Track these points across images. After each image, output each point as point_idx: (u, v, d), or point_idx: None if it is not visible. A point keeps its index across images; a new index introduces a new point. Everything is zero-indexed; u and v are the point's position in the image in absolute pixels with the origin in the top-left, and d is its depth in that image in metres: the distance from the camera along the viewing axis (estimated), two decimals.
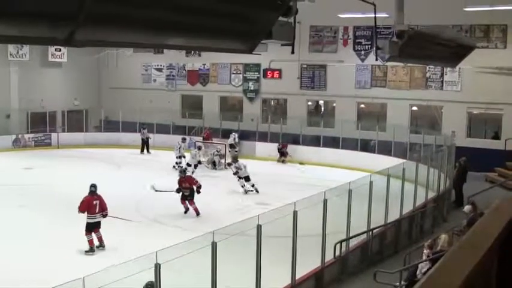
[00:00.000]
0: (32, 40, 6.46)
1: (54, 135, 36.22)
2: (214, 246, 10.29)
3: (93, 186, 16.50)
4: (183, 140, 29.01)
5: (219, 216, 17.25)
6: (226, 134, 33.81)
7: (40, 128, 36.77)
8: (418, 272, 12.27)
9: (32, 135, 35.84)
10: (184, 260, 10.05)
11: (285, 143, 31.82)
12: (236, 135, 32.20)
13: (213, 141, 30.84)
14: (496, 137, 29.80)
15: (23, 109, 36.30)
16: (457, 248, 2.35)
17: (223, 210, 19.48)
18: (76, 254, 15.31)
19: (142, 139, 33.49)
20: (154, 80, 40.13)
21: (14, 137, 34.80)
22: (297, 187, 22.93)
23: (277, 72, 34.59)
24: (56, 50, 37.53)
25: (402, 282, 12.57)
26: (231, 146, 30.79)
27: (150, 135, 34.42)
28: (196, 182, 20.03)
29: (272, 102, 36.90)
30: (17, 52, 36.06)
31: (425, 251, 13.13)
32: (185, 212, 19.57)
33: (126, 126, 36.38)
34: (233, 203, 19.23)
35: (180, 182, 20.02)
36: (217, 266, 10.32)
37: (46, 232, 17.60)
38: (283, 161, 31.26)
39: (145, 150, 33.49)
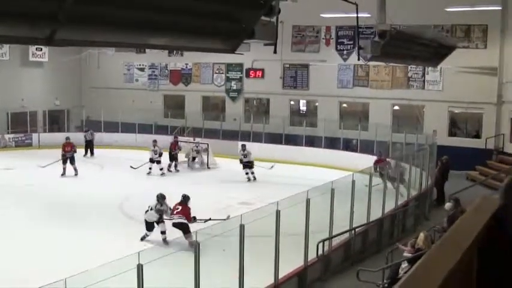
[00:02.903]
0: (12, 39, 6.42)
1: (35, 136, 35.94)
2: (197, 246, 10.26)
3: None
4: (154, 143, 28.31)
5: (202, 216, 17.17)
6: (208, 133, 33.74)
7: (20, 128, 36.48)
8: (400, 270, 12.33)
9: (12, 135, 35.64)
10: (167, 261, 10.05)
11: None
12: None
13: (192, 141, 30.56)
14: (477, 136, 30.00)
15: (3, 109, 35.95)
16: (439, 245, 2.37)
17: (206, 210, 19.41)
18: (57, 255, 15.20)
19: (87, 140, 32.47)
20: (137, 80, 39.99)
21: None
22: (279, 186, 22.93)
23: (260, 71, 34.65)
24: (36, 49, 37.22)
25: (385, 281, 12.62)
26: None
27: (96, 135, 33.99)
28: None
29: (255, 102, 36.88)
30: None
31: (406, 248, 13.19)
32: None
33: (108, 126, 36.19)
34: (215, 203, 19.19)
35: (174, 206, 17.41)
36: (200, 266, 10.29)
37: (27, 232, 17.52)
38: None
39: (88, 152, 32.47)
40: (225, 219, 15.65)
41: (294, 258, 13.85)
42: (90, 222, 18.72)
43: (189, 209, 16.47)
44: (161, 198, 16.64)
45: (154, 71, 39.33)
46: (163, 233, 16.36)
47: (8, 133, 35.89)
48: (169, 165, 28.17)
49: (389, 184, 19.50)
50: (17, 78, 37.27)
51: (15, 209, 20.42)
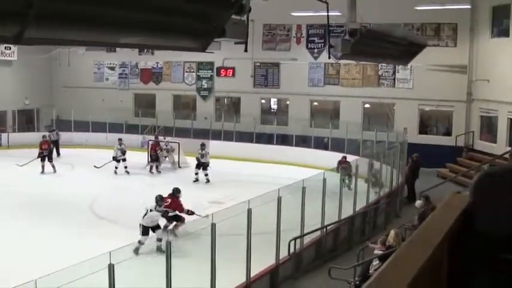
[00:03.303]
0: None
1: (4, 135, 35.51)
2: (169, 245, 10.22)
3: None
4: (120, 141, 28.03)
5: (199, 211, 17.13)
6: (179, 132, 33.61)
7: None
8: (371, 268, 12.39)
9: None
10: (138, 260, 10.02)
11: None
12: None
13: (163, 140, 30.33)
14: (447, 133, 30.28)
15: None
16: (409, 242, 2.37)
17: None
18: (28, 255, 15.05)
19: (52, 140, 31.35)
20: (107, 79, 39.71)
21: None
22: (250, 185, 22.93)
23: (231, 70, 34.63)
24: (5, 48, 36.75)
25: (356, 278, 12.68)
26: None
27: (66, 135, 33.84)
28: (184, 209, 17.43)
29: (225, 101, 36.84)
30: None
31: (376, 246, 13.26)
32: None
33: (79, 126, 35.87)
34: (186, 202, 19.08)
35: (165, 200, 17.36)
36: (172, 265, 10.25)
37: None
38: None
39: (54, 153, 31.24)
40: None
41: (266, 256, 13.86)
42: (60, 221, 18.56)
43: (180, 201, 16.78)
44: (160, 200, 16.14)
45: (124, 70, 39.08)
46: (159, 240, 15.19)
47: None
48: (151, 167, 27.94)
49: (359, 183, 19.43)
50: None
51: None
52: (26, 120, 37.67)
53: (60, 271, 9.05)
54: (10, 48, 36.61)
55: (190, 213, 16.59)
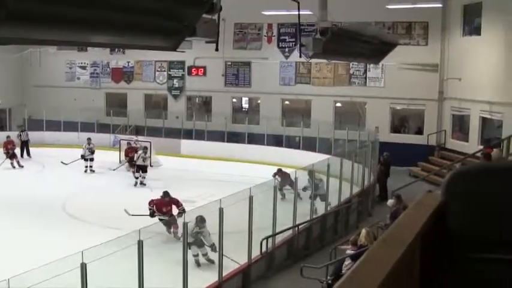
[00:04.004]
0: None
1: None
2: (140, 244, 10.17)
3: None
4: (89, 140, 27.71)
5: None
6: (150, 132, 33.50)
7: None
8: (343, 267, 12.42)
9: None
10: (110, 259, 9.93)
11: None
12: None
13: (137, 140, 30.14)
14: (419, 132, 30.46)
15: None
16: (381, 241, 2.36)
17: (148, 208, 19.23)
18: (1, 256, 14.88)
19: (22, 141, 31.54)
20: (78, 78, 39.37)
21: None
22: (222, 184, 22.91)
23: (202, 69, 34.56)
24: None
25: (328, 277, 12.71)
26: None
27: (38, 134, 33.59)
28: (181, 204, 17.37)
29: (197, 100, 36.74)
30: None
31: (347, 246, 13.29)
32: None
33: (50, 125, 35.58)
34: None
35: (159, 204, 17.22)
36: (144, 265, 10.20)
37: None
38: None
39: (25, 154, 31.51)
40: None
41: (238, 256, 13.84)
42: (32, 222, 18.40)
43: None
44: (200, 221, 14.12)
45: (96, 69, 38.80)
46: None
47: None
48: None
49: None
50: None
51: None
52: None
53: (32, 270, 8.98)
54: None
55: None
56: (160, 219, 16.66)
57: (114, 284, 12.04)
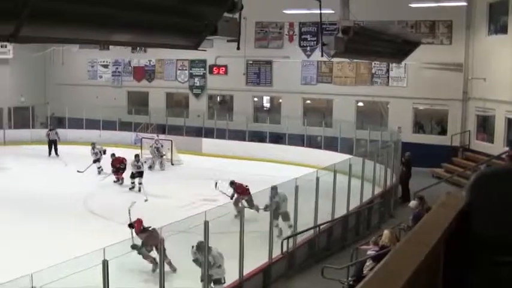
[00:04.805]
0: None
1: (0, 132, 35.71)
2: (161, 242, 10.18)
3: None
4: (93, 145, 27.32)
5: (166, 213, 17.10)
6: (172, 130, 33.61)
7: None
8: (364, 268, 12.33)
9: None
10: (132, 257, 10.00)
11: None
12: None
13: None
14: (443, 132, 30.13)
15: None
16: (404, 243, 2.33)
17: (169, 207, 19.30)
18: (24, 251, 15.02)
19: (50, 140, 31.85)
20: (100, 77, 39.65)
21: None
22: (246, 182, 22.93)
23: (223, 68, 34.55)
24: (1, 46, 36.93)
25: (349, 278, 12.63)
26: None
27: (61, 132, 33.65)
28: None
29: (218, 98, 36.76)
30: None
31: (369, 246, 13.19)
32: None
33: (73, 123, 35.94)
34: (179, 200, 19.05)
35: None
36: (164, 264, 10.20)
37: None
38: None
39: (53, 152, 31.75)
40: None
41: (259, 255, 13.81)
42: (55, 219, 18.60)
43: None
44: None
45: (117, 68, 39.02)
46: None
47: None
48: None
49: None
50: None
51: None
52: (22, 117, 37.65)
53: (54, 266, 9.03)
54: (6, 47, 36.81)
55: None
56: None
57: (136, 282, 12.11)
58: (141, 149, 29.85)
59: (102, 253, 9.11)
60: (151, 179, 24.92)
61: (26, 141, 32.24)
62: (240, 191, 19.20)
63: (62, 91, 39.30)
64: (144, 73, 38.08)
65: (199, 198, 21.07)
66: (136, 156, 24.70)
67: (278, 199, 16.00)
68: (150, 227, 13.84)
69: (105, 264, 9.16)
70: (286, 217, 16.26)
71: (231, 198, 18.40)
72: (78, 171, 25.65)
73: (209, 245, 11.56)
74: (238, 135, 32.38)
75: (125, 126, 35.57)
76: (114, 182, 24.75)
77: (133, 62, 38.42)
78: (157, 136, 30.16)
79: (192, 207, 17.50)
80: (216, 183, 19.88)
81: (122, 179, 24.66)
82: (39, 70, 40.54)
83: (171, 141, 29.64)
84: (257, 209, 17.14)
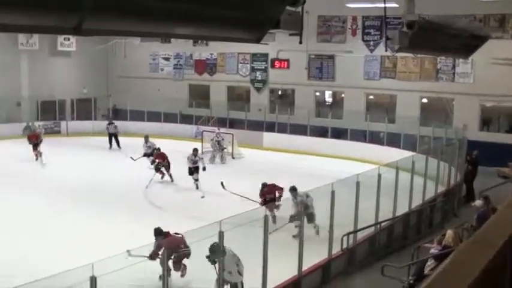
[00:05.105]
0: (41, 29, 6.36)
1: (63, 123, 36.76)
2: (221, 235, 10.18)
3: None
4: (146, 138, 27.04)
5: (226, 206, 17.17)
6: (233, 124, 33.76)
7: (50, 116, 37.28)
8: (426, 267, 12.08)
9: (41, 122, 36.09)
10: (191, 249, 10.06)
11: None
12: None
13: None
14: (510, 130, 29.29)
15: (33, 97, 37.07)
16: (470, 243, 2.22)
17: (229, 200, 19.32)
18: (83, 241, 15.32)
19: (109, 133, 32.14)
20: (162, 69, 40.17)
21: (24, 124, 34.96)
22: (303, 178, 22.82)
23: (285, 62, 34.44)
24: (64, 39, 37.94)
25: (410, 277, 12.41)
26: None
27: (122, 123, 34.29)
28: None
29: (280, 92, 36.71)
30: (27, 41, 36.50)
31: (433, 245, 12.92)
32: None
33: (134, 115, 36.49)
34: (239, 193, 19.03)
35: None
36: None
37: (49, 219, 18.02)
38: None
39: (114, 145, 31.99)
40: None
41: (318, 251, 13.70)
42: (115, 209, 19.06)
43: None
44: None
45: (179, 61, 39.42)
46: None
47: (37, 120, 36.44)
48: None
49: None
50: (46, 68, 38.16)
51: (41, 195, 20.95)
52: (84, 109, 38.48)
53: (116, 256, 9.17)
54: (69, 39, 37.87)
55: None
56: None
57: (194, 273, 12.20)
58: (202, 142, 30.09)
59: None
60: (211, 172, 25.05)
61: (88, 133, 32.88)
62: (270, 192, 18.20)
63: (124, 83, 40.04)
64: (206, 66, 38.34)
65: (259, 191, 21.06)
66: (195, 150, 23.64)
67: (302, 199, 15.56)
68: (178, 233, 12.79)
69: (165, 254, 9.21)
70: (311, 219, 15.53)
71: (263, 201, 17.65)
72: (131, 158, 25.85)
73: (224, 247, 10.89)
74: (299, 129, 32.27)
75: (186, 119, 35.95)
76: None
77: (195, 55, 38.74)
78: (219, 129, 30.30)
79: (251, 202, 17.44)
80: (222, 183, 19.88)
81: (163, 174, 23.93)
82: (101, 63, 41.43)
83: (232, 134, 29.76)
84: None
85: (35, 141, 26.73)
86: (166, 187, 23.00)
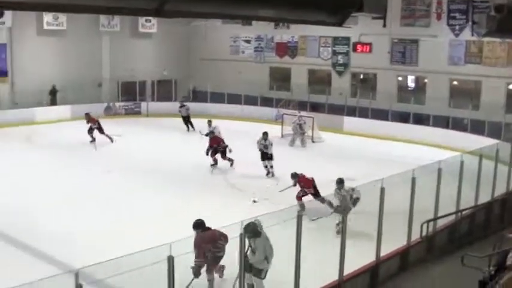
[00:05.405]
0: (123, 11, 6.48)
1: (143, 104, 37.31)
2: (299, 219, 10.14)
3: None
4: (209, 122, 26.30)
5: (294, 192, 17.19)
6: (313, 107, 33.62)
7: (130, 96, 38.18)
8: (508, 259, 11.77)
9: (122, 103, 37.14)
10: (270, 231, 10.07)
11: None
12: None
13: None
14: None
15: (114, 78, 37.85)
16: None
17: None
18: (158, 220, 15.67)
19: (183, 116, 32.16)
20: (243, 52, 40.33)
21: (105, 105, 35.89)
22: (384, 163, 22.53)
23: (367, 46, 33.94)
24: (146, 20, 38.59)
25: (491, 268, 12.11)
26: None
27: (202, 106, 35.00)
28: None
29: (361, 77, 36.30)
30: (108, 23, 37.20)
31: None
32: None
33: (214, 97, 36.81)
34: (317, 177, 18.92)
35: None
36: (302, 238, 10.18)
37: (128, 197, 18.43)
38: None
39: (190, 127, 31.74)
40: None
41: (397, 237, 13.54)
42: (196, 189, 19.47)
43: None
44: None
45: (260, 43, 39.48)
46: None
47: (118, 101, 37.50)
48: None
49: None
50: (127, 49, 38.93)
51: (121, 174, 21.54)
52: (164, 91, 39.04)
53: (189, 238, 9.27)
54: (150, 21, 38.48)
55: None
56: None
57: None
58: (282, 125, 30.13)
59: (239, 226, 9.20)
60: (292, 155, 25.08)
61: (168, 114, 33.28)
62: (303, 183, 17.43)
63: (204, 65, 40.40)
64: (287, 49, 38.29)
65: (338, 176, 20.90)
66: (264, 134, 22.52)
67: (345, 193, 15.23)
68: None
69: (241, 237, 9.25)
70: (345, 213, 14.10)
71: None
72: (200, 132, 25.77)
73: (262, 229, 10.36)
74: (381, 114, 31.83)
75: (266, 102, 35.97)
76: (211, 165, 22.81)
77: (276, 38, 38.75)
78: (299, 112, 30.23)
79: (329, 186, 17.34)
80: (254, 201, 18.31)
81: (215, 160, 22.80)
82: (182, 44, 42.00)
83: (313, 118, 29.62)
84: (330, 205, 15.62)
85: (93, 125, 26.89)
86: (230, 171, 22.87)
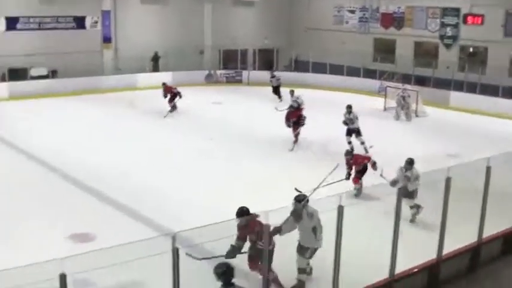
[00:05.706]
0: None
1: (244, 73, 37.22)
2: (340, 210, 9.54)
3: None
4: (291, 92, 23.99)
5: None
6: (419, 80, 32.46)
7: (231, 65, 38.34)
8: None
9: (223, 71, 37.35)
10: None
11: None
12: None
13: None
14: None
15: (216, 46, 38.14)
16: None
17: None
18: (254, 186, 15.56)
19: (273, 86, 31.66)
20: (347, 22, 39.46)
21: (206, 72, 36.06)
22: (493, 140, 21.48)
23: (479, 17, 32.38)
24: None
25: None
26: None
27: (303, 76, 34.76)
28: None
29: (471, 50, 34.72)
30: None
31: None
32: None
33: (316, 67, 36.31)
34: (421, 153, 18.06)
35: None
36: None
37: (225, 165, 18.48)
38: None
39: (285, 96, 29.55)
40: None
41: (499, 219, 12.71)
42: (298, 160, 19.14)
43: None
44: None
45: (365, 14, 38.48)
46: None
47: (219, 69, 37.74)
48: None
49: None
50: (229, 17, 39.05)
51: (219, 141, 21.56)
52: (265, 59, 38.87)
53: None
54: None
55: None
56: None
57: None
58: (385, 97, 29.33)
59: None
60: (399, 129, 24.36)
61: (269, 83, 32.88)
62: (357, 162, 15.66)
63: (306, 35, 40.06)
64: (393, 20, 37.16)
65: (443, 153, 20.04)
66: (348, 107, 20.54)
67: (410, 175, 13.79)
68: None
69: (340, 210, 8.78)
70: (410, 195, 13.54)
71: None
72: (275, 108, 24.48)
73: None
74: (490, 90, 30.23)
75: (369, 73, 35.15)
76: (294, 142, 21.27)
77: (382, 9, 37.70)
78: (403, 85, 29.25)
79: (435, 162, 16.50)
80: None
81: (298, 134, 21.31)
82: (284, 13, 41.70)
83: (417, 91, 28.60)
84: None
85: (170, 94, 26.46)
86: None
